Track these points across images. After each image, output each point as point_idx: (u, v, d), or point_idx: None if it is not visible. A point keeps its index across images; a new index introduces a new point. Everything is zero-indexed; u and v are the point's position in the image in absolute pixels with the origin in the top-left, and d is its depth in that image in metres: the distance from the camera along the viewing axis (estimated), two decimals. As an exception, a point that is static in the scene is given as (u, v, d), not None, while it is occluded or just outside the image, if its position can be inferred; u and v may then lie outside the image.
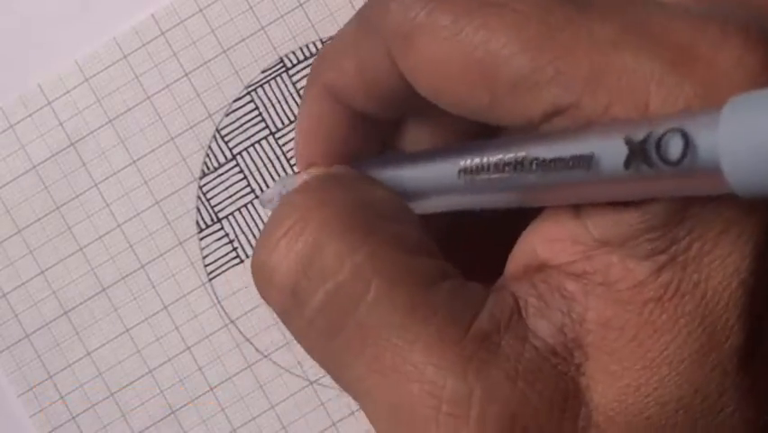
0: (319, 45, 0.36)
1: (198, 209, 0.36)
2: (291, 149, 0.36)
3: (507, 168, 0.18)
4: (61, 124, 0.36)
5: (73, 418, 0.35)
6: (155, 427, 0.35)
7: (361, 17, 0.21)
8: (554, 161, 0.17)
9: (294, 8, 0.36)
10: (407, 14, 0.18)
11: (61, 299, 0.35)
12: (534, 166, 0.17)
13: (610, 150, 0.16)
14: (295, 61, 0.36)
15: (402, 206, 0.20)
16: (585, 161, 0.16)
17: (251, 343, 0.36)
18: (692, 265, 0.17)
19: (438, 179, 0.20)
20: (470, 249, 0.22)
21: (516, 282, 0.19)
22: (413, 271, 0.18)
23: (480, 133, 0.21)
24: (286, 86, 0.36)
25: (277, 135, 0.36)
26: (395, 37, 0.19)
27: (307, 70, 0.36)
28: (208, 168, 0.36)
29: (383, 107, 0.21)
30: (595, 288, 0.17)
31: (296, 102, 0.36)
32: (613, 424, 0.17)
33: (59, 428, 0.35)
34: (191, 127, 0.36)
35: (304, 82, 0.36)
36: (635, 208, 0.17)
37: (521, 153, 0.17)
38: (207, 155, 0.36)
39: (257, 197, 0.36)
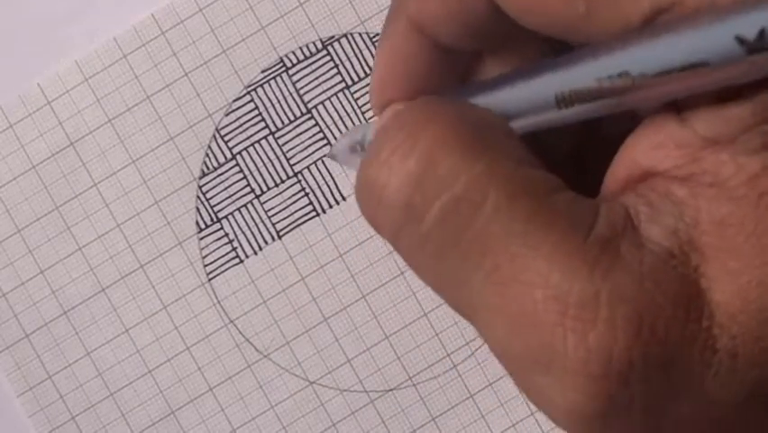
0: (319, 45, 0.36)
1: (198, 209, 0.36)
2: (291, 148, 0.36)
3: (608, 84, 0.18)
4: (61, 123, 0.36)
5: (73, 417, 0.35)
6: (154, 427, 0.35)
7: None
8: (660, 75, 0.17)
9: (294, 8, 0.36)
10: None
11: (61, 299, 0.35)
12: (637, 80, 0.17)
13: (722, 52, 0.16)
14: (295, 61, 0.36)
15: (505, 123, 0.20)
16: (696, 66, 0.16)
17: (251, 343, 0.35)
18: None
19: (533, 100, 0.20)
20: (563, 170, 0.22)
21: (622, 195, 0.19)
22: (529, 182, 0.18)
23: None
24: (286, 85, 0.36)
25: (277, 135, 0.36)
26: None
27: (307, 70, 0.36)
28: (208, 167, 0.36)
29: (467, 37, 0.21)
30: (705, 189, 0.17)
31: (295, 102, 0.36)
32: (735, 322, 0.17)
33: (58, 428, 0.35)
34: (191, 127, 0.36)
35: (304, 82, 0.36)
36: (745, 101, 0.17)
37: (623, 68, 0.17)
38: (207, 155, 0.36)
39: (257, 196, 0.36)
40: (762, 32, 0.15)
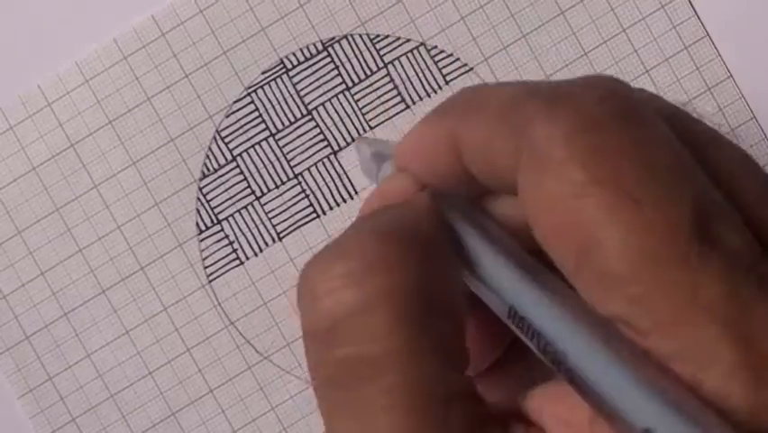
0: (319, 46, 0.35)
1: (198, 211, 0.36)
2: (292, 150, 0.36)
3: (547, 351, 0.18)
4: (61, 125, 0.36)
5: (73, 419, 0.35)
6: (155, 428, 0.35)
7: (514, 102, 0.20)
8: (595, 394, 0.17)
9: (294, 9, 0.35)
10: (552, 150, 0.18)
11: (61, 301, 0.35)
12: (575, 376, 0.17)
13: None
14: (295, 62, 0.36)
15: (458, 293, 0.20)
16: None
17: (252, 344, 0.35)
18: None
19: (498, 285, 0.20)
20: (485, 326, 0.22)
21: (514, 423, 0.19)
22: (436, 383, 0.18)
23: None
24: (286, 87, 0.36)
25: (277, 137, 0.36)
26: (530, 156, 0.18)
27: (308, 72, 0.35)
28: (208, 169, 0.36)
29: (487, 182, 0.21)
30: None
31: (296, 103, 0.36)
32: None
33: (59, 430, 0.35)
34: (191, 128, 0.36)
35: (304, 83, 0.35)
36: None
37: (568, 362, 0.18)
38: (207, 156, 0.36)
39: (257, 198, 0.36)
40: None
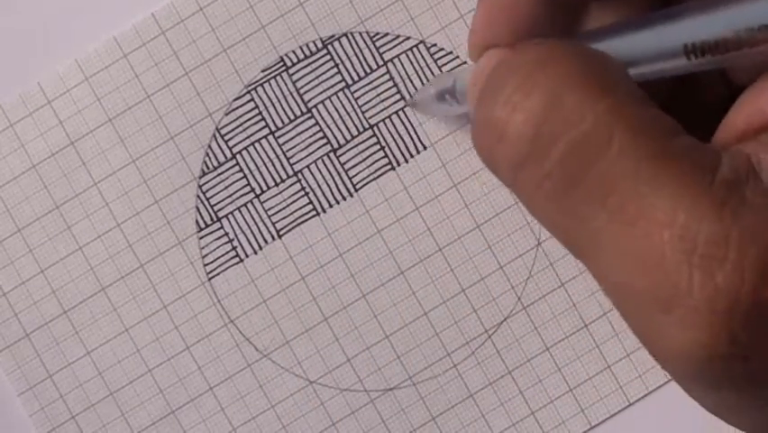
0: (319, 44, 0.36)
1: (198, 208, 0.36)
2: (292, 148, 0.36)
3: (746, 36, 0.18)
4: (61, 122, 0.36)
5: (73, 417, 0.35)
6: (154, 426, 0.35)
7: None
8: None
9: (294, 7, 0.36)
10: None
11: (61, 298, 0.35)
12: None
13: None
14: (295, 60, 0.36)
15: (623, 67, 0.20)
16: None
17: (251, 342, 0.35)
18: None
19: (660, 48, 0.19)
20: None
21: (742, 143, 0.19)
22: (655, 123, 0.18)
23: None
24: (286, 85, 0.36)
25: (277, 134, 0.36)
26: None
27: (307, 70, 0.36)
28: (208, 167, 0.36)
29: None
30: None
31: (296, 101, 0.36)
32: None
33: (58, 428, 0.35)
34: (191, 126, 0.36)
35: (304, 81, 0.36)
36: None
37: (763, 20, 0.17)
38: (207, 154, 0.36)
39: (257, 196, 0.36)
40: None
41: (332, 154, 0.36)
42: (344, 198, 0.36)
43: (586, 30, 0.22)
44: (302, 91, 0.36)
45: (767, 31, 0.17)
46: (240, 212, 0.36)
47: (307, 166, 0.36)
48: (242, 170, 0.36)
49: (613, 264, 0.19)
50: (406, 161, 0.36)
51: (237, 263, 0.36)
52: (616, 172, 0.18)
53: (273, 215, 0.36)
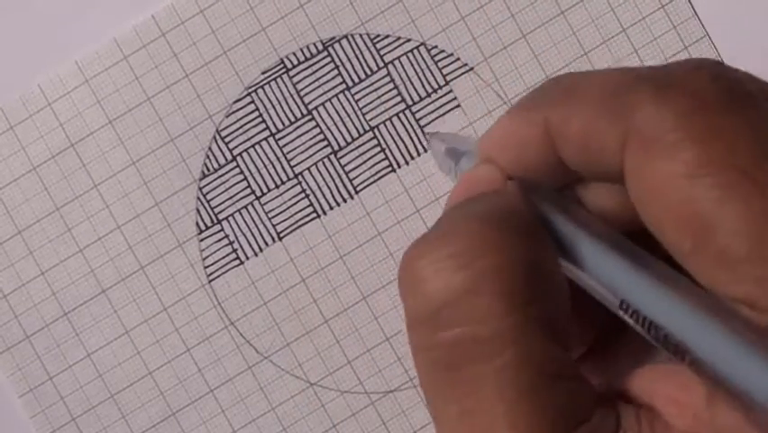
0: (320, 46, 0.35)
1: (198, 210, 0.36)
2: (292, 150, 0.36)
3: (667, 341, 0.18)
4: (61, 124, 0.36)
5: (73, 419, 0.35)
6: (155, 428, 0.35)
7: (615, 87, 0.20)
8: (720, 377, 0.17)
9: (294, 9, 0.35)
10: (663, 130, 0.18)
11: (61, 301, 0.35)
12: (696, 361, 0.17)
13: None
14: (295, 62, 0.36)
15: (559, 273, 0.20)
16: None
17: (252, 344, 0.35)
18: None
19: (601, 277, 0.19)
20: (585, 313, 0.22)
21: (623, 405, 0.19)
22: (546, 360, 0.18)
23: None
24: (286, 87, 0.36)
25: (277, 136, 0.36)
26: (637, 140, 0.18)
27: (308, 72, 0.35)
28: (208, 169, 0.36)
29: (586, 171, 0.21)
30: None
31: (296, 103, 0.36)
32: None
33: (59, 430, 0.35)
34: (191, 128, 0.36)
35: (305, 83, 0.35)
36: None
37: (690, 350, 0.17)
38: (207, 156, 0.36)
39: (257, 198, 0.36)
40: None
41: (332, 156, 0.36)
42: (345, 201, 0.36)
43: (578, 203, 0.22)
44: (302, 93, 0.35)
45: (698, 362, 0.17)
46: (240, 214, 0.36)
47: (308, 168, 0.36)
48: (242, 172, 0.36)
49: None
50: (407, 163, 0.36)
51: (237, 265, 0.36)
52: (487, 386, 0.18)
53: (273, 217, 0.36)
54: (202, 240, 0.36)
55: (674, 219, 0.18)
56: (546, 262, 0.20)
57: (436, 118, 0.35)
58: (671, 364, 0.19)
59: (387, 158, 0.36)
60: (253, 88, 0.36)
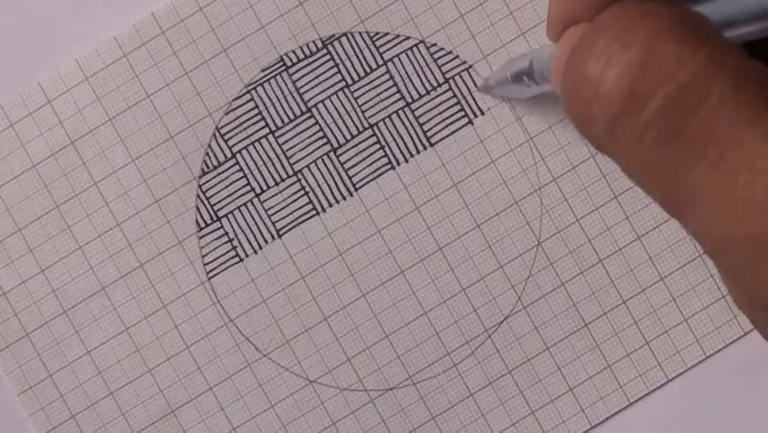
0: (319, 44, 0.36)
1: (198, 208, 0.36)
2: (291, 147, 0.36)
3: None
4: (61, 122, 0.36)
5: (73, 416, 0.35)
6: (154, 426, 0.35)
7: None
8: None
9: (294, 7, 0.36)
10: None
11: (61, 298, 0.35)
12: None
13: None
14: (295, 60, 0.36)
15: (714, 25, 0.20)
16: None
17: (251, 342, 0.35)
18: None
19: (747, 12, 0.20)
20: None
21: None
22: (752, 72, 0.18)
23: None
24: (286, 84, 0.36)
25: (277, 134, 0.36)
26: None
27: (307, 69, 0.36)
28: (208, 166, 0.36)
29: None
30: None
31: (296, 101, 0.36)
32: None
33: (58, 427, 0.35)
34: (191, 126, 0.36)
35: (304, 81, 0.36)
36: None
37: None
38: (207, 154, 0.36)
39: (257, 195, 0.36)
40: None
41: (332, 154, 0.36)
42: (344, 198, 0.36)
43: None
44: (302, 91, 0.36)
45: None
46: (240, 211, 0.36)
47: (307, 165, 0.36)
48: (241, 169, 0.36)
49: (714, 215, 0.18)
50: (406, 161, 0.36)
51: (237, 263, 0.36)
52: (716, 122, 0.18)
53: (273, 214, 0.36)
54: (201, 237, 0.36)
55: None
56: (693, 12, 0.19)
57: (436, 116, 0.35)
58: None
59: (386, 155, 0.36)
60: (253, 86, 0.36)
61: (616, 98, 0.19)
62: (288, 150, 0.36)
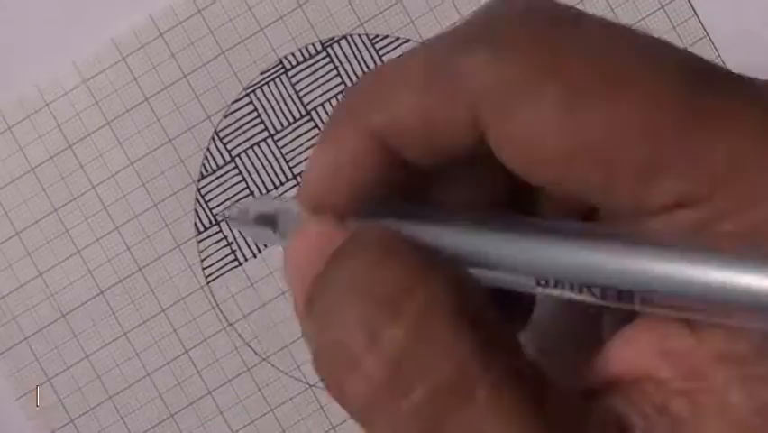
0: (318, 47, 0.35)
1: (197, 212, 0.35)
2: (291, 151, 0.35)
3: (608, 295, 0.16)
4: (59, 125, 0.35)
5: (71, 420, 0.35)
6: (153, 430, 0.35)
7: (431, 55, 0.17)
8: (671, 296, 0.15)
9: (293, 9, 0.35)
10: (505, 74, 0.16)
11: (59, 302, 0.35)
12: (644, 298, 0.16)
13: (750, 298, 0.14)
14: (294, 63, 0.35)
15: (481, 289, 0.18)
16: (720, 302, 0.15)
17: (250, 346, 0.35)
18: None
19: (510, 262, 0.17)
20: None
21: (612, 394, 0.17)
22: (520, 376, 0.17)
23: (527, 187, 0.18)
24: (285, 87, 0.35)
25: (276, 137, 0.35)
26: (486, 98, 0.17)
27: (307, 72, 0.35)
28: (207, 170, 0.35)
29: (437, 160, 0.18)
30: (710, 410, 0.16)
31: (295, 104, 0.35)
32: None
33: (57, 431, 0.35)
34: (189, 129, 0.35)
35: (303, 83, 0.35)
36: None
37: (631, 286, 0.15)
38: (206, 157, 0.35)
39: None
40: None
41: (331, 157, 0.35)
42: (344, 201, 0.35)
43: (433, 205, 0.20)
44: (301, 94, 0.35)
45: (632, 295, 0.16)
46: (239, 215, 0.35)
47: (306, 169, 0.35)
48: (240, 173, 0.35)
49: None
50: (406, 164, 0.35)
51: (236, 267, 0.35)
52: (478, 424, 0.16)
53: (272, 218, 0.35)
54: (200, 241, 0.35)
55: (568, 159, 0.16)
56: (468, 279, 0.18)
57: (435, 119, 0.35)
58: (631, 327, 0.17)
59: (386, 159, 0.35)
60: (252, 89, 0.35)
61: (376, 381, 0.17)
62: (287, 153, 0.35)
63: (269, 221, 0.22)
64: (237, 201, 0.28)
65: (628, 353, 0.17)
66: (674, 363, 0.16)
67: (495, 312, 0.17)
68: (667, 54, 0.16)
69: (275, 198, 0.22)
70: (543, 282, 0.17)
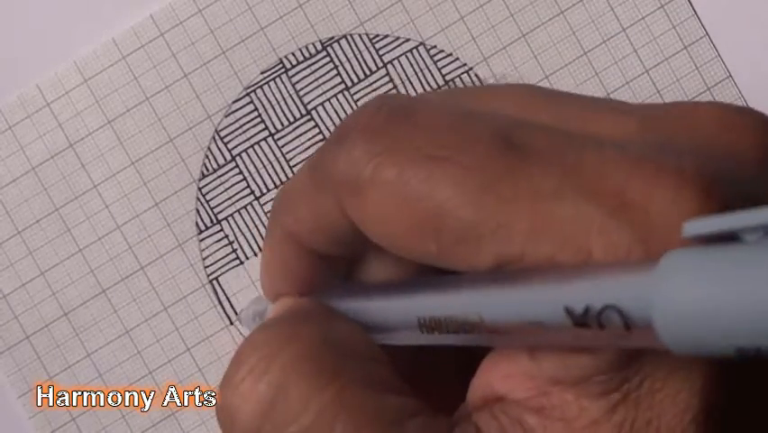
0: (318, 46, 0.35)
1: (198, 211, 0.36)
2: (291, 150, 0.36)
3: (460, 327, 0.18)
4: (60, 125, 0.35)
5: (73, 419, 0.35)
6: (155, 428, 0.36)
7: (313, 164, 0.21)
8: (507, 323, 0.17)
9: (293, 9, 0.35)
10: (355, 168, 0.19)
11: (61, 301, 0.35)
12: (482, 329, 0.18)
13: (554, 316, 0.16)
14: (294, 62, 0.35)
15: (368, 341, 0.21)
16: (533, 324, 0.17)
17: (251, 344, 0.35)
18: (645, 402, 0.17)
19: (397, 319, 0.20)
20: (435, 376, 0.22)
21: (477, 412, 0.19)
22: (380, 412, 0.18)
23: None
24: (285, 87, 0.35)
25: (276, 137, 0.36)
26: (344, 189, 0.19)
27: (307, 71, 0.35)
28: (208, 169, 0.36)
29: (341, 249, 0.22)
30: (554, 423, 0.18)
31: (295, 103, 0.35)
32: None
33: (58, 430, 0.35)
34: (190, 128, 0.36)
35: (304, 83, 0.35)
36: (588, 353, 0.17)
37: (472, 316, 0.18)
38: (207, 156, 0.36)
39: (257, 198, 0.36)
40: (587, 309, 0.16)
41: (331, 156, 0.36)
42: (344, 201, 0.36)
43: (359, 282, 0.23)
44: (301, 93, 0.35)
45: (479, 319, 0.18)
46: (240, 214, 0.36)
47: (307, 168, 0.36)
48: (241, 172, 0.36)
49: None
50: (406, 163, 0.36)
51: (237, 265, 0.36)
52: None
53: (273, 217, 0.36)
54: (202, 240, 0.36)
55: (409, 229, 0.18)
56: (345, 332, 0.20)
57: (435, 118, 0.35)
58: (491, 357, 0.19)
59: (386, 158, 0.36)
60: (252, 88, 0.36)
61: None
62: (287, 152, 0.36)
63: (260, 317, 0.25)
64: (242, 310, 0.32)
65: (487, 378, 0.19)
66: (522, 385, 0.18)
67: (366, 360, 0.20)
68: (481, 124, 0.18)
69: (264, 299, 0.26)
70: (422, 322, 0.19)
